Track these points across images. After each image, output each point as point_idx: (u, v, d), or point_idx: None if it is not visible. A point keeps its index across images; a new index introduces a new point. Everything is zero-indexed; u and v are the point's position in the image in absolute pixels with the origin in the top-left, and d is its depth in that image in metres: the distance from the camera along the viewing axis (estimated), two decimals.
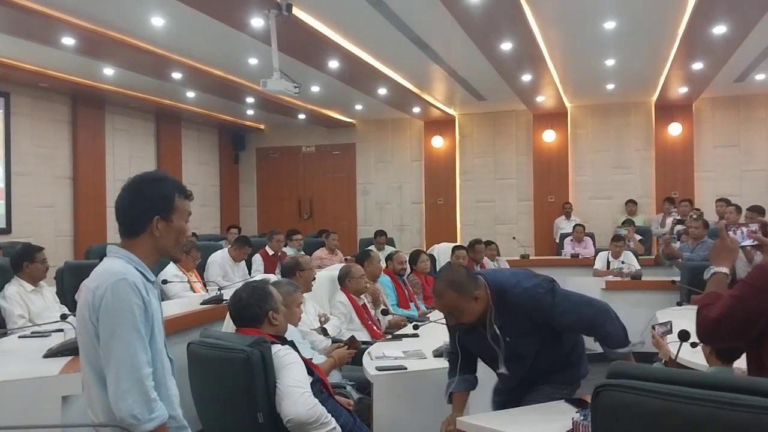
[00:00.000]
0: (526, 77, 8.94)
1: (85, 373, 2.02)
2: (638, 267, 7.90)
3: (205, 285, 6.48)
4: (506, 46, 7.35)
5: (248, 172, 13.67)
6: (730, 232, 2.37)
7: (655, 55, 8.21)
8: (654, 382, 1.57)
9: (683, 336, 2.76)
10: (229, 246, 7.60)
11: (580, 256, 9.48)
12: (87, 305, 1.95)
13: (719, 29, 6.77)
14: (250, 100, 10.35)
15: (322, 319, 4.36)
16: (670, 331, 3.27)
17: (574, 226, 10.07)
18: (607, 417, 1.64)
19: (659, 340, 3.32)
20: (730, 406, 1.41)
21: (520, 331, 2.81)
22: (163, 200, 2.06)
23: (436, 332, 4.05)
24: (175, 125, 11.85)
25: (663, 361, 3.32)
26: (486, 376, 3.35)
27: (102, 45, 7.16)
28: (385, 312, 4.99)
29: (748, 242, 2.40)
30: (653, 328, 3.34)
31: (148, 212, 2.04)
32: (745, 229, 2.38)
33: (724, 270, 2.27)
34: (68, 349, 3.23)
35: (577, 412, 2.50)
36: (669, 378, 1.56)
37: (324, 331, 4.24)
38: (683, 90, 9.96)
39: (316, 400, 2.64)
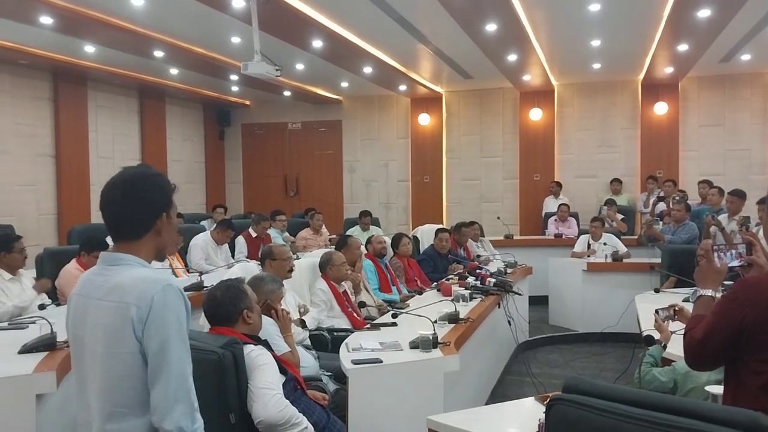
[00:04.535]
0: (512, 57, 8.89)
1: (102, 405, 1.82)
2: (624, 248, 7.94)
3: (187, 269, 6.48)
4: (491, 27, 7.28)
5: (234, 149, 13.57)
6: (719, 254, 2.36)
7: (641, 36, 8.17)
8: (602, 399, 1.62)
9: (648, 340, 2.79)
10: (212, 228, 7.58)
11: (563, 236, 9.54)
12: (128, 321, 1.77)
13: (704, 12, 6.73)
14: (234, 77, 10.23)
15: (302, 310, 4.38)
16: (672, 316, 3.30)
17: (559, 205, 10.11)
18: (557, 430, 1.70)
19: (661, 325, 3.35)
20: (666, 428, 1.47)
21: None
22: (166, 195, 1.93)
23: (413, 322, 4.08)
24: (159, 101, 11.72)
25: (663, 345, 3.38)
26: (471, 368, 3.40)
27: (81, 24, 7.03)
28: (362, 304, 5.02)
29: (736, 263, 2.40)
30: (656, 312, 3.37)
31: (158, 209, 1.90)
32: (733, 251, 2.38)
33: (710, 293, 2.27)
34: (44, 345, 3.25)
35: (544, 412, 2.54)
36: (615, 396, 1.60)
37: (302, 323, 4.27)
38: (669, 70, 9.93)
39: (287, 402, 2.67)
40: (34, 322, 3.81)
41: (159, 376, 1.76)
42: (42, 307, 4.30)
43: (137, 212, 1.88)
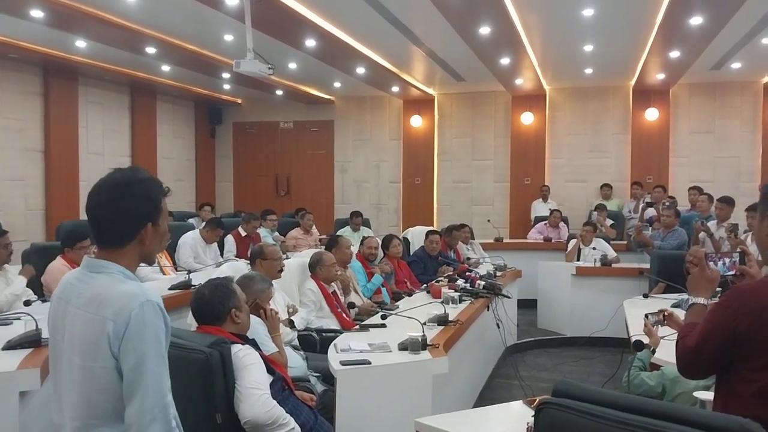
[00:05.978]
0: (505, 60, 8.90)
1: (76, 415, 1.77)
2: (614, 254, 7.97)
3: (176, 267, 6.44)
4: (484, 30, 7.29)
5: (225, 147, 13.52)
6: (711, 263, 2.37)
7: (633, 42, 8.21)
8: (591, 403, 1.61)
9: (638, 346, 2.79)
10: (201, 227, 7.54)
11: (552, 240, 9.56)
12: (104, 336, 1.70)
13: (696, 20, 6.77)
14: (226, 75, 10.20)
15: (290, 310, 4.36)
16: (661, 321, 3.30)
17: (552, 211, 10.09)
18: None
19: (650, 329, 3.36)
20: None
21: None
22: (154, 204, 1.83)
23: (403, 323, 4.07)
24: (150, 98, 11.66)
25: (652, 349, 3.38)
26: (459, 371, 3.38)
27: (72, 18, 6.97)
28: (351, 305, 5.00)
29: (730, 272, 2.40)
30: (646, 316, 3.37)
31: (142, 219, 1.81)
32: (727, 260, 2.39)
33: (703, 301, 2.26)
34: (29, 341, 3.21)
35: (533, 416, 2.53)
36: (605, 400, 1.60)
37: (291, 323, 4.25)
38: (661, 76, 9.99)
39: (275, 402, 2.65)
40: (18, 318, 3.77)
41: (134, 393, 1.70)
42: (27, 303, 4.25)
43: (120, 220, 1.79)
